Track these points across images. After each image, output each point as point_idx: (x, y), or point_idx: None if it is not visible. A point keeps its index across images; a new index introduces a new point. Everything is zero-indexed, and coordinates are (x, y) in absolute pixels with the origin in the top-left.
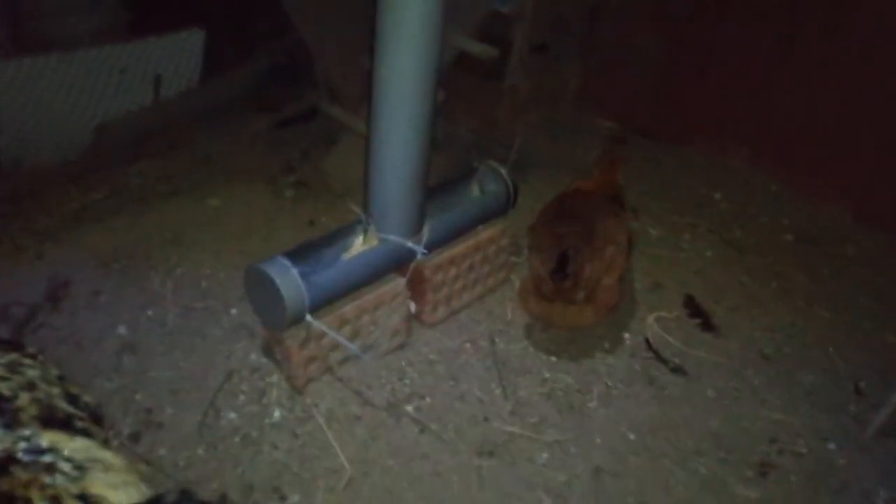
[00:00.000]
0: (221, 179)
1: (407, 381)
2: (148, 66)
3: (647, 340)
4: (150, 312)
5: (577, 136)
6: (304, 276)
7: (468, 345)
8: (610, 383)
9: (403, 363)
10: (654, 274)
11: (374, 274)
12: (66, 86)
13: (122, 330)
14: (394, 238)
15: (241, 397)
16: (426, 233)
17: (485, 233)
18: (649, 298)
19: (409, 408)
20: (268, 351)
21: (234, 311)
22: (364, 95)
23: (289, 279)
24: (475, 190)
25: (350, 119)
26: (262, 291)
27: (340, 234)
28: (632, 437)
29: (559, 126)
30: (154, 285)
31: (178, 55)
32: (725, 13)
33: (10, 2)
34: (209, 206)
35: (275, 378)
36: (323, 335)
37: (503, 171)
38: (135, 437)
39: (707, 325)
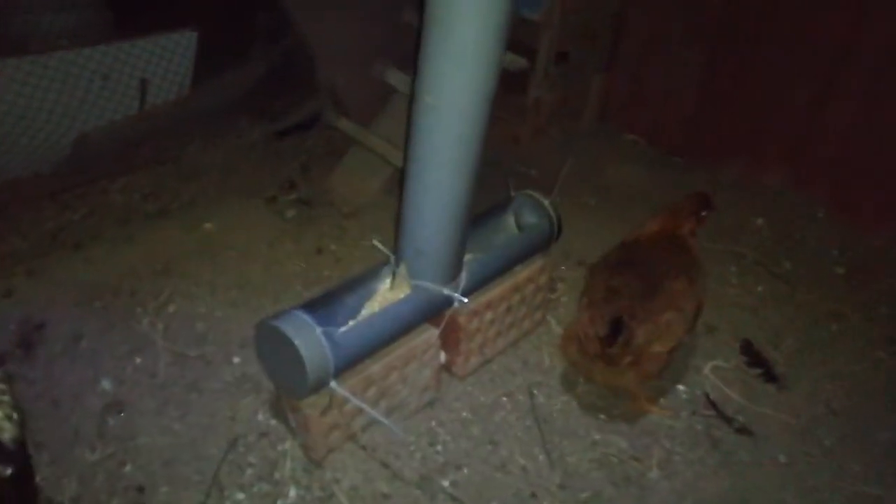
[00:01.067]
0: (215, 197)
1: (439, 448)
2: (133, 70)
3: (707, 397)
4: (137, 361)
5: (601, 153)
6: (328, 335)
7: (504, 399)
8: (669, 447)
9: (434, 423)
10: (705, 314)
11: (406, 328)
12: (41, 91)
13: (105, 384)
14: (430, 285)
15: (249, 471)
16: (464, 277)
17: (524, 272)
18: (703, 343)
19: (445, 482)
20: (277, 410)
21: (235, 359)
22: (372, 105)
23: (312, 341)
24: (511, 222)
25: (358, 132)
26: (277, 352)
27: (366, 280)
28: None
29: (580, 142)
30: (142, 327)
31: (167, 58)
32: (768, 25)
33: None
34: (202, 230)
35: (287, 445)
36: (346, 400)
37: (546, 202)
38: None
39: (769, 376)
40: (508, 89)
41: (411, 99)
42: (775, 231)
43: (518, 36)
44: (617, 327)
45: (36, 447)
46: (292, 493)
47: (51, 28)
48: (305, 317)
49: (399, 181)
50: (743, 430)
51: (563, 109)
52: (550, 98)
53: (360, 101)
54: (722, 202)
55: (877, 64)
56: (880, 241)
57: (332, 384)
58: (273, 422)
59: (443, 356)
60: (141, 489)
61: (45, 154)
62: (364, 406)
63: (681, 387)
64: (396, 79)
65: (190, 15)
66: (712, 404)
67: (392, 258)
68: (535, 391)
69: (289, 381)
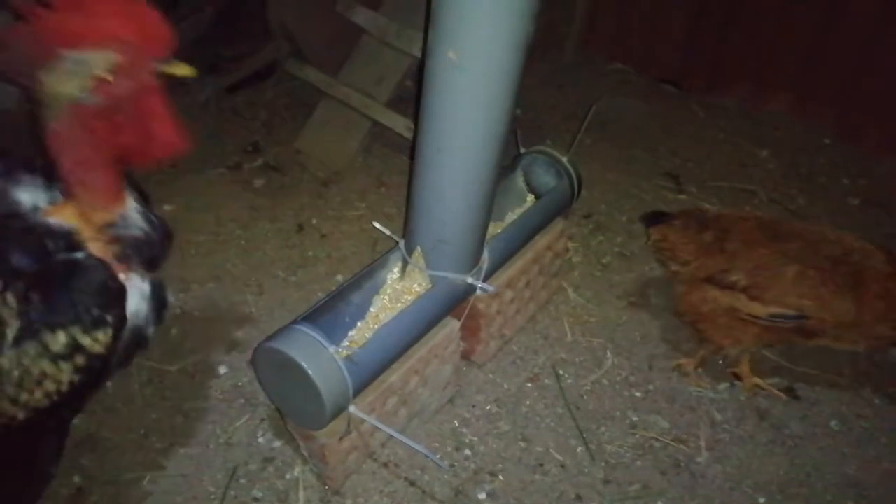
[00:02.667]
0: (168, 171)
1: (468, 452)
2: None
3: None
4: (107, 384)
5: (590, 85)
6: (343, 357)
7: (529, 385)
8: (714, 424)
9: (457, 423)
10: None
11: (428, 328)
12: None
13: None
14: (452, 275)
15: None
16: (486, 260)
17: (542, 240)
18: None
19: (481, 495)
20: (280, 429)
21: (222, 369)
22: (336, 49)
23: (325, 364)
24: (521, 183)
25: (327, 82)
26: (283, 377)
27: (372, 272)
28: (762, 500)
29: (565, 73)
30: None
31: None
32: None
33: None
34: (162, 213)
35: (297, 472)
36: (363, 421)
37: (564, 160)
38: None
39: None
40: None
41: (424, 55)
42: (782, 162)
43: None
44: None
45: None
46: None
47: None
48: (313, 333)
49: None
50: (790, 391)
51: (548, 39)
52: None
53: (324, 45)
54: (723, 134)
55: None
56: (890, 167)
57: (352, 408)
58: (277, 443)
59: (462, 345)
60: None
61: None
62: (388, 430)
63: None
64: (365, 18)
65: None
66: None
67: (401, 244)
68: (560, 371)
69: (300, 411)
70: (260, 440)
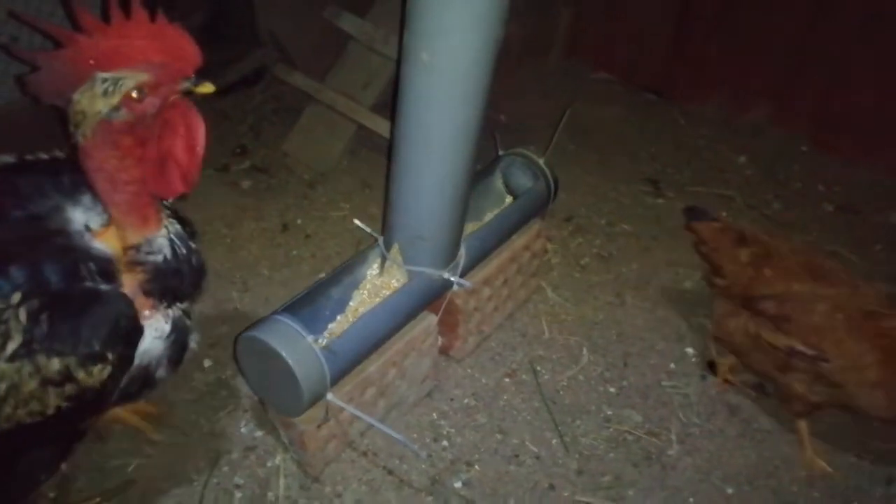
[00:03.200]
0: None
1: (445, 443)
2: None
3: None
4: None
5: (573, 93)
6: (321, 345)
7: (507, 380)
8: (686, 418)
9: (436, 416)
10: (702, 265)
11: (405, 320)
12: None
13: None
14: (429, 271)
15: (238, 495)
16: (462, 257)
17: (520, 240)
18: (703, 299)
19: (457, 483)
20: (262, 420)
21: (206, 362)
22: (322, 54)
23: (303, 353)
24: (500, 185)
25: (314, 87)
26: (262, 366)
27: (352, 267)
28: (730, 491)
29: (548, 81)
30: None
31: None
32: None
33: None
34: None
35: (279, 460)
36: (342, 409)
37: (541, 161)
38: None
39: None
40: None
41: (400, 57)
42: (759, 169)
43: None
44: None
45: None
46: None
47: None
48: (291, 323)
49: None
50: (759, 387)
51: (532, 47)
52: (518, 35)
53: (309, 49)
54: (703, 141)
55: None
56: (865, 175)
57: (329, 396)
58: (259, 433)
59: (440, 340)
60: None
61: None
62: (366, 417)
63: (689, 349)
64: (352, 24)
65: None
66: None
67: (380, 240)
68: (538, 367)
69: (279, 398)
70: (242, 430)
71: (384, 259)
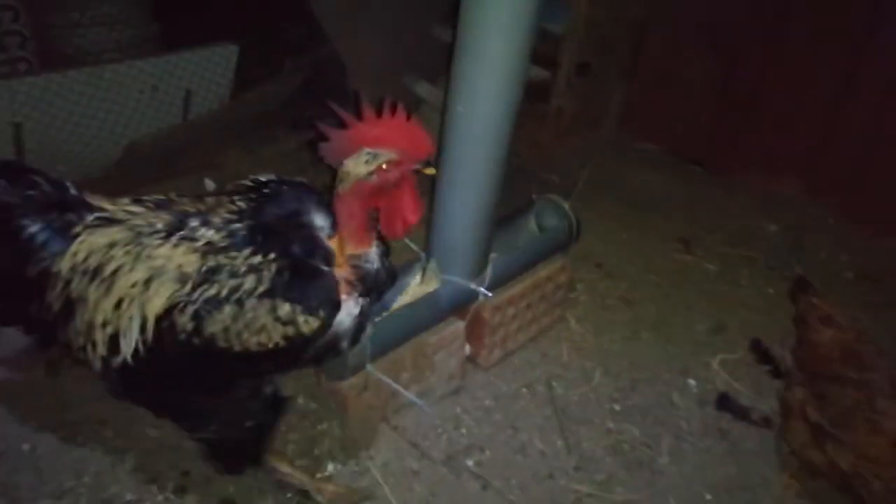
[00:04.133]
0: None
1: (464, 431)
2: (179, 81)
3: (723, 396)
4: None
5: (621, 161)
6: None
7: (525, 390)
8: (679, 436)
9: (459, 410)
10: (715, 314)
11: (436, 317)
12: (94, 101)
13: None
14: (458, 280)
15: (292, 447)
16: (489, 273)
17: (544, 270)
18: (713, 341)
19: (469, 462)
20: (317, 395)
21: None
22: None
23: None
24: (532, 224)
25: None
26: None
27: (399, 276)
28: (708, 497)
29: (603, 149)
30: None
31: (210, 70)
32: (784, 36)
33: (37, 14)
34: None
35: (326, 426)
36: (380, 383)
37: (566, 206)
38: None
39: (777, 372)
40: (532, 98)
41: (443, 109)
42: (788, 237)
43: (541, 48)
44: None
45: None
46: (330, 467)
47: (104, 42)
48: None
49: (430, 185)
50: (766, 423)
51: (585, 118)
52: (571, 107)
53: None
54: (738, 209)
55: (890, 72)
56: (890, 248)
57: (369, 367)
58: (313, 405)
59: (468, 348)
60: (181, 490)
61: (96, 159)
62: (396, 387)
63: (691, 381)
64: (425, 90)
65: (231, 29)
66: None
67: (423, 255)
68: (553, 383)
69: (330, 366)
70: (300, 401)
71: (425, 270)
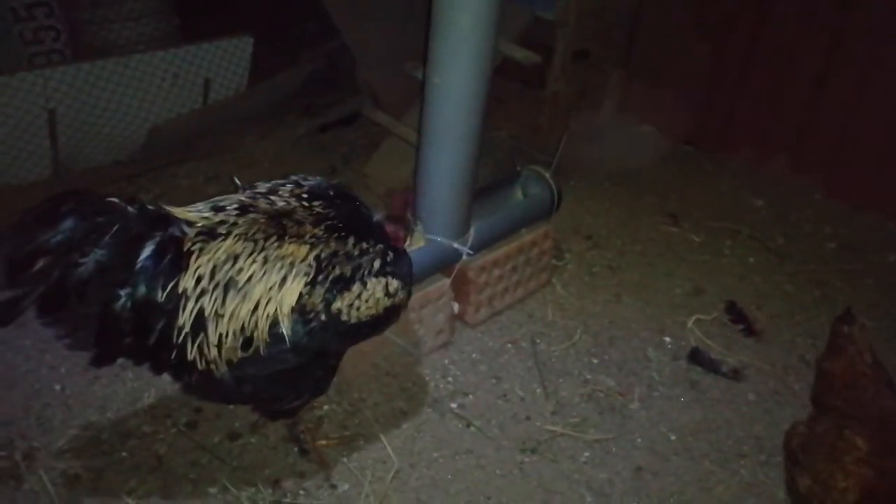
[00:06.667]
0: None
1: (450, 379)
2: (199, 70)
3: (695, 350)
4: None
5: (617, 143)
6: None
7: (510, 345)
8: (651, 386)
9: (447, 361)
10: (695, 279)
11: (421, 274)
12: (121, 89)
13: None
14: (441, 239)
15: None
16: (472, 234)
17: (528, 236)
18: (690, 303)
19: (453, 405)
20: None
21: None
22: (406, 101)
23: None
24: (519, 194)
25: (393, 124)
26: None
27: None
28: (673, 437)
29: (600, 132)
30: None
31: (227, 60)
32: (769, 20)
33: (69, 11)
34: None
35: None
36: None
37: (547, 175)
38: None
39: (749, 331)
40: (530, 83)
41: (422, 82)
42: (773, 212)
43: (536, 34)
44: None
45: None
46: (325, 407)
47: (129, 35)
48: None
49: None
50: (735, 375)
51: (583, 102)
52: (568, 92)
53: (395, 96)
54: (726, 186)
55: (869, 51)
56: (872, 220)
57: None
58: None
59: (456, 307)
60: (193, 424)
61: (123, 143)
62: (386, 333)
63: (666, 338)
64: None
65: (245, 22)
66: (697, 356)
67: (410, 217)
68: (537, 339)
69: None
70: None
71: (412, 232)
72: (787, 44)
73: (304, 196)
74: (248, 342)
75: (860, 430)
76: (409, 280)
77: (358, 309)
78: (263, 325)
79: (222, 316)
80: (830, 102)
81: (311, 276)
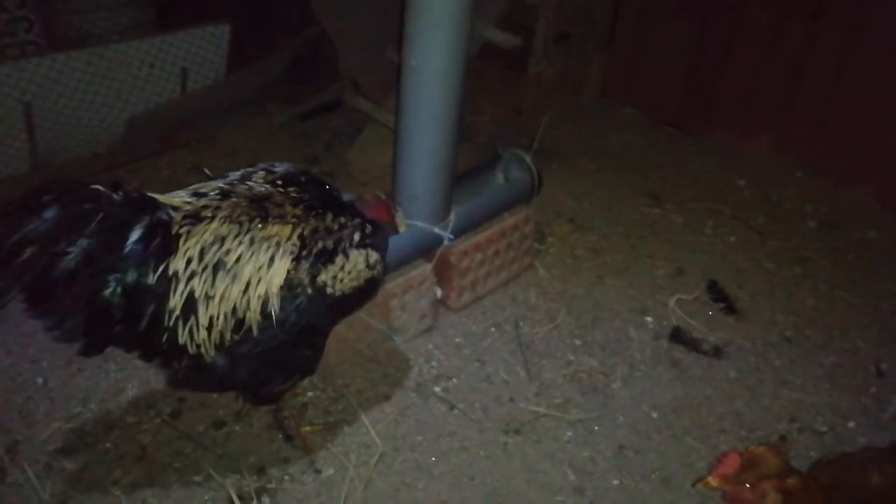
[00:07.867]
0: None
1: (434, 363)
2: (175, 59)
3: (676, 329)
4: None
5: (601, 125)
6: None
7: (493, 329)
8: (633, 366)
9: (430, 346)
10: (677, 259)
11: (402, 259)
12: (97, 79)
13: None
14: (421, 224)
15: None
16: (452, 219)
17: (510, 220)
18: (671, 283)
19: (437, 388)
20: None
21: None
22: (388, 86)
23: None
24: (500, 177)
25: (374, 110)
26: None
27: None
28: (654, 415)
29: (582, 114)
30: None
31: (204, 49)
32: (749, 2)
33: (42, 1)
34: None
35: None
36: (353, 318)
37: (528, 158)
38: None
39: (730, 309)
40: (511, 66)
41: (399, 66)
42: (755, 191)
43: (517, 17)
44: None
45: None
46: (309, 394)
47: (105, 25)
48: None
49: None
50: (716, 353)
51: (566, 85)
52: (550, 74)
53: (376, 82)
54: (709, 167)
55: (849, 31)
56: (853, 198)
57: None
58: None
59: (439, 292)
60: (176, 414)
61: (102, 135)
62: (370, 320)
63: (648, 318)
64: None
65: (223, 10)
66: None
67: (391, 203)
68: (520, 322)
69: None
70: None
71: (393, 218)
72: (768, 24)
73: (279, 182)
74: (239, 324)
75: None
76: (384, 254)
77: (342, 281)
78: (256, 306)
79: (212, 297)
80: (811, 82)
81: (295, 255)
